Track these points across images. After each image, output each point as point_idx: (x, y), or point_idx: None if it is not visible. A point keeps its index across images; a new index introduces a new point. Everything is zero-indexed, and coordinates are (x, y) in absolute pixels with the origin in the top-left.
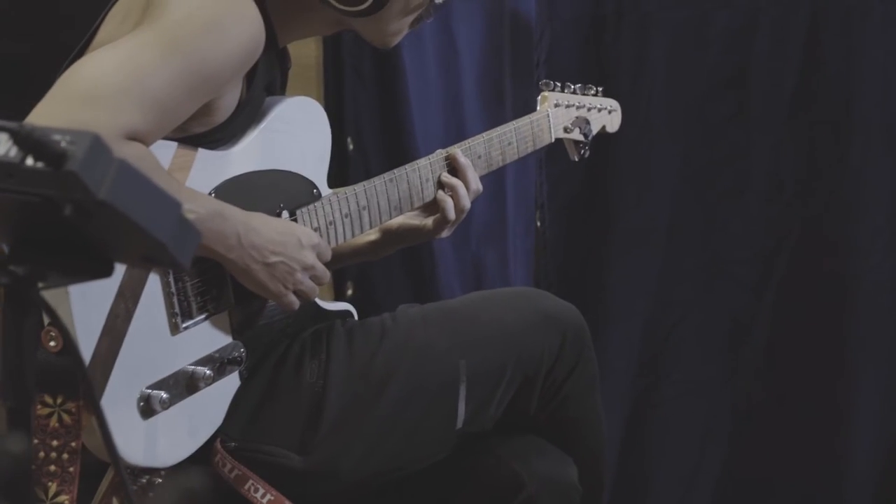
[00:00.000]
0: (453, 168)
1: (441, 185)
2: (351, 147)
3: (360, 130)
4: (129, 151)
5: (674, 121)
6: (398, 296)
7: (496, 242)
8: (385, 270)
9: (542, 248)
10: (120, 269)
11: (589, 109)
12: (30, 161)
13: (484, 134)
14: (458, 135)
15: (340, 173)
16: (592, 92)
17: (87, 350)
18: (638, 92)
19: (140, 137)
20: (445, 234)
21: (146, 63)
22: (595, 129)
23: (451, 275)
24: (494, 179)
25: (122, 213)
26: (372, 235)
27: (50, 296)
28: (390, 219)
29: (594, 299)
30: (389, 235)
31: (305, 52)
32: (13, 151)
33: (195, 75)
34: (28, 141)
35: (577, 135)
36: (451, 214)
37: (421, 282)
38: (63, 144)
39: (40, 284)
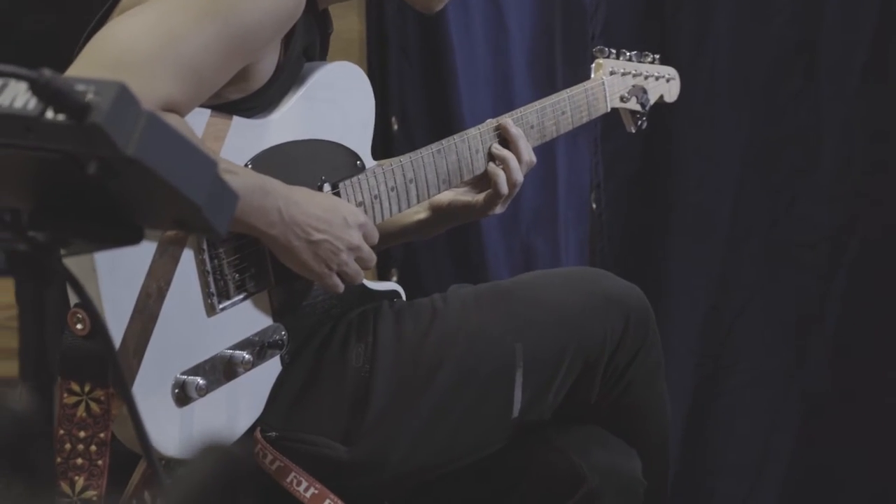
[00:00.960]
0: (504, 139)
1: (492, 157)
2: (395, 127)
3: (405, 109)
4: None
5: (738, 96)
6: (445, 284)
7: (547, 230)
8: (431, 258)
9: (597, 231)
10: (151, 246)
11: (646, 77)
12: (50, 114)
13: (536, 103)
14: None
15: (385, 153)
16: (649, 59)
17: (116, 333)
18: (700, 66)
19: (175, 107)
20: (498, 210)
21: (179, 26)
22: (653, 99)
23: (499, 262)
24: (545, 163)
25: (153, 171)
26: (420, 213)
27: (76, 272)
28: (438, 192)
29: (653, 285)
30: (439, 213)
31: (348, 26)
32: (32, 103)
33: (232, 38)
34: (48, 91)
35: (633, 104)
36: (504, 188)
37: (468, 270)
38: (87, 95)
39: (62, 252)
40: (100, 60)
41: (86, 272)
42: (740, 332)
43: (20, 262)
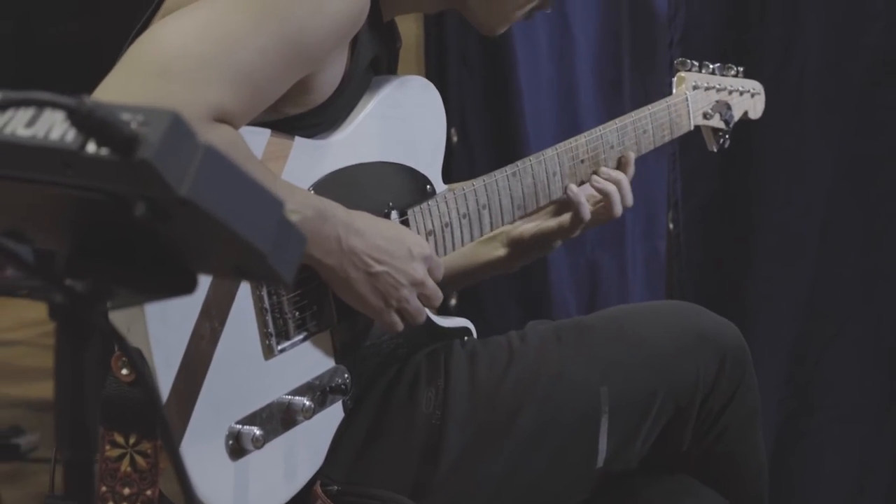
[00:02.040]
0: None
1: (589, 179)
2: (455, 139)
3: (464, 121)
4: (217, 136)
5: (829, 108)
6: (506, 306)
7: (613, 246)
8: (491, 279)
9: (674, 253)
10: (204, 281)
11: (730, 92)
12: (91, 147)
13: (616, 121)
14: (572, 125)
15: (445, 169)
16: (733, 73)
17: (166, 379)
18: (787, 76)
19: (228, 118)
20: (576, 233)
21: (235, 29)
22: (737, 115)
23: (563, 282)
24: None
25: (210, 214)
26: (499, 250)
27: (120, 314)
28: (512, 219)
29: (735, 313)
30: (520, 246)
31: (405, 31)
32: (71, 135)
33: (292, 44)
34: (89, 121)
35: (717, 121)
36: (617, 209)
37: (531, 289)
38: (134, 126)
39: (106, 305)
40: (144, 68)
41: (132, 312)
42: (830, 363)
43: (57, 313)
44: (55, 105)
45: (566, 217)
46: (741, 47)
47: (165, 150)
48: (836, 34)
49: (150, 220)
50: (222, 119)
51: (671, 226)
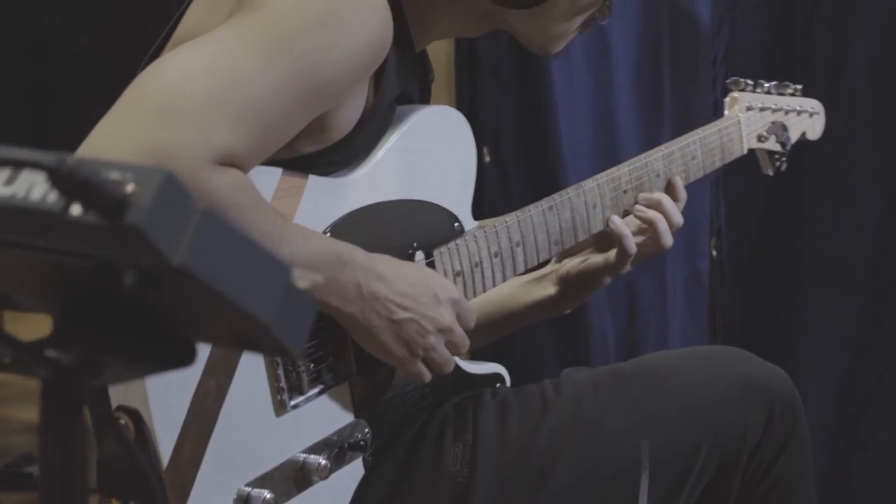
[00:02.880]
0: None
1: (617, 211)
2: (487, 159)
3: (497, 140)
4: (222, 181)
5: (883, 127)
6: (537, 333)
7: (652, 267)
8: None
9: (718, 280)
10: None
11: (787, 112)
12: (76, 210)
13: (662, 147)
14: (610, 144)
15: (476, 190)
16: (790, 91)
17: (167, 441)
18: (838, 93)
19: (237, 162)
20: (626, 269)
21: (244, 65)
22: (794, 137)
23: (600, 305)
24: None
25: (207, 285)
26: (549, 288)
27: None
28: (549, 256)
29: (781, 346)
30: (568, 285)
31: (434, 48)
32: (52, 196)
33: (306, 81)
34: (72, 182)
35: (772, 144)
36: (665, 238)
37: (567, 316)
38: (122, 186)
39: (94, 379)
40: (144, 108)
41: None
42: (883, 399)
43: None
44: (33, 165)
45: (612, 252)
46: (788, 64)
47: (157, 215)
48: (888, 49)
49: (140, 289)
50: (229, 162)
51: (714, 253)
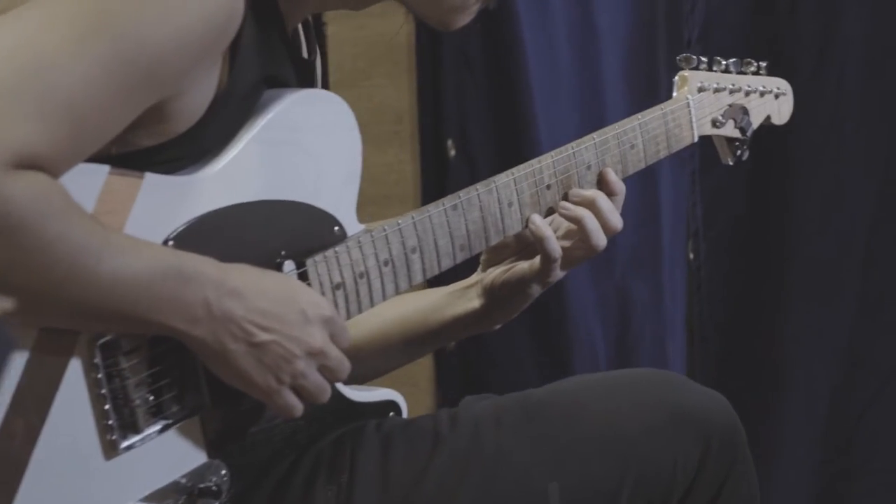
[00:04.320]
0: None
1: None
2: (452, 153)
3: (464, 130)
4: (20, 188)
5: (873, 116)
6: (516, 345)
7: (647, 273)
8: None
9: (695, 288)
10: (18, 359)
11: (747, 94)
12: None
13: (594, 135)
14: None
15: (439, 188)
16: (752, 69)
17: None
18: (824, 78)
19: (43, 164)
20: (556, 276)
21: (51, 49)
22: (756, 121)
23: (587, 314)
24: (645, 191)
25: None
26: (473, 301)
27: None
28: (453, 263)
29: (765, 359)
30: (495, 295)
31: (392, 27)
32: None
33: (129, 65)
34: None
35: (730, 129)
36: (596, 238)
37: (546, 324)
38: None
39: None
40: None
41: None
42: (875, 419)
43: None
44: None
45: (538, 258)
46: (772, 45)
47: None
48: (882, 26)
49: None
50: (32, 165)
51: (691, 256)
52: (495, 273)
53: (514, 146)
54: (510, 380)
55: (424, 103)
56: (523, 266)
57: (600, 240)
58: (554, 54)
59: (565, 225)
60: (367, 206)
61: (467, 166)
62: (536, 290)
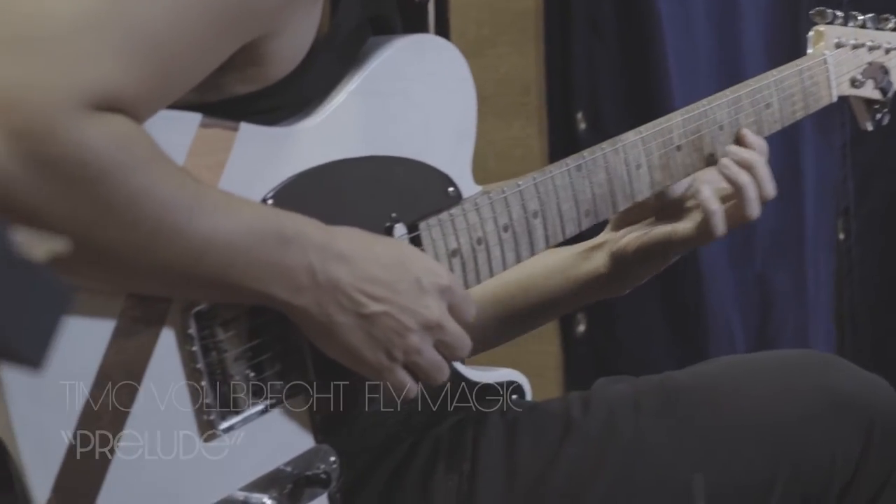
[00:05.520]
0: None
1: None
2: (582, 126)
3: (595, 104)
4: (100, 133)
5: None
6: (651, 333)
7: (789, 259)
8: (632, 297)
9: (845, 272)
10: (104, 329)
11: (888, 51)
12: None
13: (727, 91)
14: None
15: None
16: (891, 25)
17: (42, 480)
18: None
19: (125, 106)
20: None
21: None
22: None
23: (725, 302)
24: (787, 169)
25: None
26: (601, 265)
27: None
28: (578, 230)
29: None
30: (626, 261)
31: None
32: None
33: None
34: None
35: (870, 90)
36: (752, 208)
37: (683, 313)
38: None
39: None
40: None
41: None
42: None
43: None
44: None
45: (688, 223)
46: None
47: None
48: None
49: None
50: (112, 107)
51: (841, 236)
52: (631, 234)
53: (647, 119)
54: (641, 369)
55: (552, 74)
56: (665, 229)
57: (755, 210)
58: (691, 25)
59: (710, 190)
60: (491, 184)
61: (598, 141)
62: (674, 257)
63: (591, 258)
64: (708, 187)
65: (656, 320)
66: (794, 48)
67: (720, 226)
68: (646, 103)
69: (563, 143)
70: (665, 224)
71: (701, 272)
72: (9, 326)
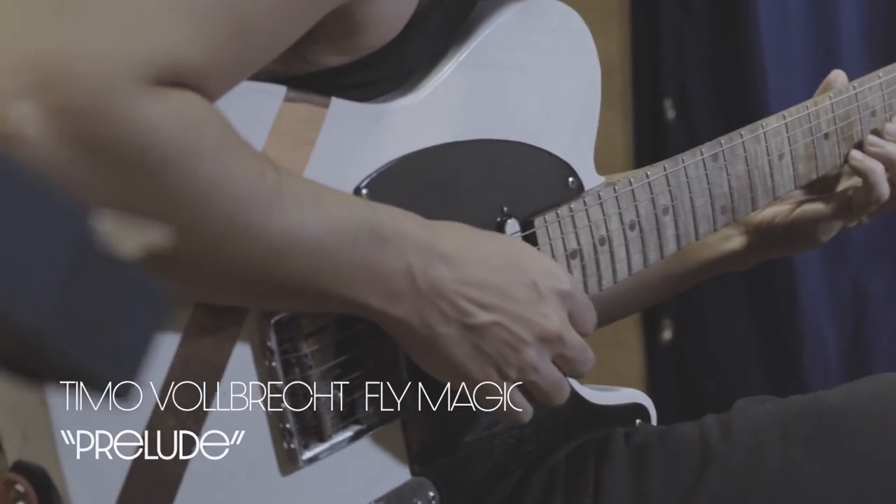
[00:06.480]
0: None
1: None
2: (672, 114)
3: (684, 89)
4: (166, 112)
5: None
6: (741, 342)
7: (886, 260)
8: (720, 300)
9: None
10: (171, 341)
11: None
12: None
13: (879, 72)
14: None
15: (653, 156)
16: None
17: None
18: None
19: (194, 79)
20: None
21: None
22: None
23: (817, 307)
24: None
25: None
26: (735, 240)
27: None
28: (712, 230)
29: None
30: (772, 236)
31: None
32: None
33: None
34: None
35: None
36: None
37: (772, 316)
38: None
39: None
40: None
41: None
42: None
43: None
44: None
45: (840, 195)
46: None
47: None
48: None
49: None
50: (179, 81)
51: None
52: (778, 210)
53: (740, 108)
54: (730, 381)
55: (638, 57)
56: (819, 207)
57: (885, 191)
58: (786, 6)
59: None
60: (614, 174)
61: (687, 130)
62: (826, 237)
63: (721, 233)
64: (859, 153)
65: (747, 327)
66: (894, 32)
67: (882, 185)
68: (737, 89)
69: (649, 132)
70: (818, 200)
71: (794, 275)
72: (87, 343)
